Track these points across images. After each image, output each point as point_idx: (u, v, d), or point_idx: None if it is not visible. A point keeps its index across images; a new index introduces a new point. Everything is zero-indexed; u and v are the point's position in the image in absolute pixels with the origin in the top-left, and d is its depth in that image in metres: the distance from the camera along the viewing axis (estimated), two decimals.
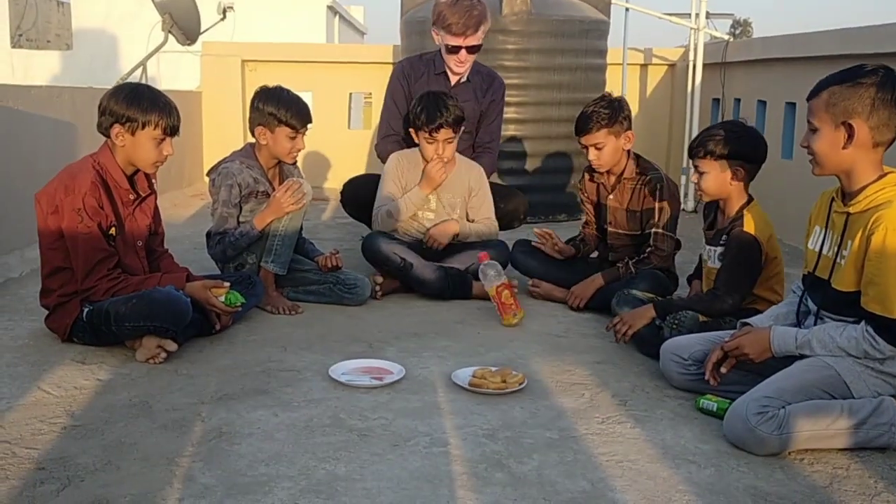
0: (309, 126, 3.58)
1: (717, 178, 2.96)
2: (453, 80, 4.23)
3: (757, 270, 2.94)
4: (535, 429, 2.38)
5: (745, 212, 2.95)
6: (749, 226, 2.91)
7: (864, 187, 2.33)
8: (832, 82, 2.32)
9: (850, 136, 2.29)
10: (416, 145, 3.90)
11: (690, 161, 3.06)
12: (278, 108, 3.49)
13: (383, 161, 4.08)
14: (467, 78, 4.26)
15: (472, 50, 4.12)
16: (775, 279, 3.00)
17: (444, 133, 3.74)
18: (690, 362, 2.67)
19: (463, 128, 3.86)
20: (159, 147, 2.97)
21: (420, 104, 3.77)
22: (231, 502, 1.93)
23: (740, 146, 2.96)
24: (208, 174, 3.65)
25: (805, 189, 3.17)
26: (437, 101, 3.74)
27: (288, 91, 3.60)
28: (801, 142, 2.42)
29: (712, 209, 3.14)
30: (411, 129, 3.86)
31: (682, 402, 2.61)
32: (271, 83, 3.63)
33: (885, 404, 2.28)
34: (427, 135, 3.75)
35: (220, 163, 3.63)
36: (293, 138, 3.53)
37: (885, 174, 2.33)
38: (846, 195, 2.39)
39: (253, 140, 3.62)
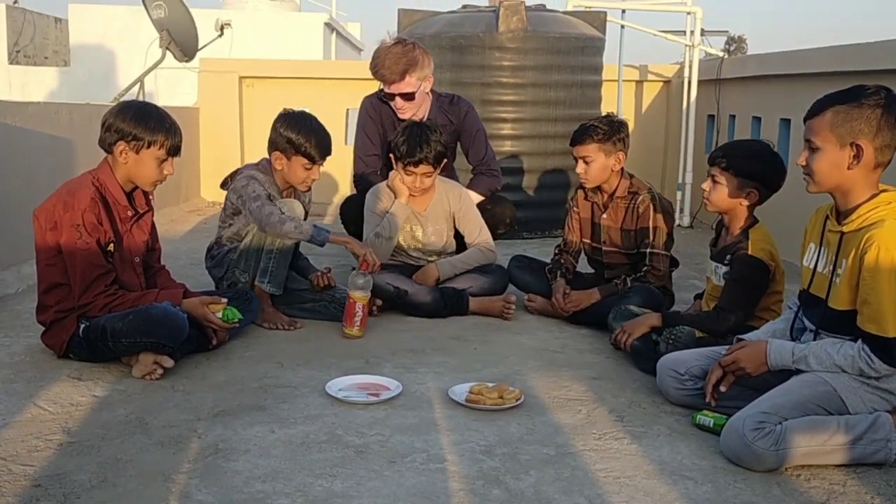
0: (328, 157, 3.52)
1: (730, 194, 2.96)
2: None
3: (760, 291, 2.95)
4: (531, 445, 2.38)
5: (750, 232, 2.96)
6: (754, 248, 2.92)
7: (857, 206, 2.33)
8: (835, 101, 2.31)
9: (858, 157, 2.29)
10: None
11: (708, 168, 3.05)
12: (298, 136, 3.46)
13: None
14: (428, 117, 4.11)
15: (405, 97, 4.04)
16: (774, 298, 3.01)
17: (423, 168, 3.71)
18: (687, 378, 2.67)
19: (445, 161, 3.80)
20: (161, 166, 2.99)
21: (403, 135, 3.72)
22: None
23: (764, 169, 2.96)
24: (229, 178, 3.60)
25: (799, 206, 3.16)
26: (420, 135, 3.69)
27: (313, 119, 3.55)
28: (799, 160, 2.41)
29: (722, 224, 3.14)
30: (391, 155, 3.81)
31: (678, 417, 2.62)
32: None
33: (882, 420, 2.28)
34: (403, 167, 3.74)
35: (240, 169, 3.61)
36: (309, 169, 3.52)
37: (878, 193, 2.33)
38: (840, 214, 2.40)
39: (268, 157, 3.59)
